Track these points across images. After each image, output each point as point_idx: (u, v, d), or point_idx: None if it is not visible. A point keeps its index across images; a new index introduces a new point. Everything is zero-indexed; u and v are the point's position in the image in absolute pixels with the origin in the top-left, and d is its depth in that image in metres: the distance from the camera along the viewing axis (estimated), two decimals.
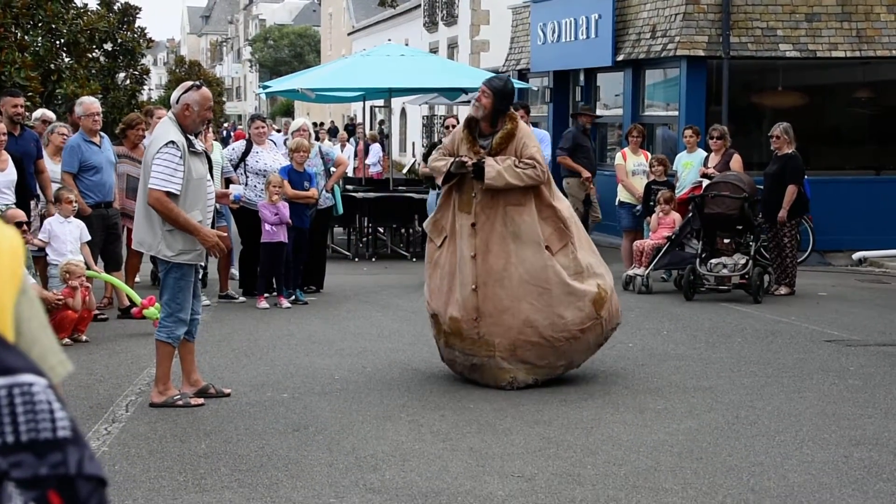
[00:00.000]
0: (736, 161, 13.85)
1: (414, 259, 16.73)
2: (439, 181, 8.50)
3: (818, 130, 18.06)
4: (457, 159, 8.20)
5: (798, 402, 7.73)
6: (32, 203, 11.13)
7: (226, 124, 53.20)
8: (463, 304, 8.15)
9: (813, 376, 8.60)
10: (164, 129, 7.37)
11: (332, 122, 42.47)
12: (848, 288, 14.23)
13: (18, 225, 9.64)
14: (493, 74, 20.89)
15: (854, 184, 17.52)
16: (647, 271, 13.21)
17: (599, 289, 8.29)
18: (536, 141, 8.48)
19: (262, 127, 13.25)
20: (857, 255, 16.88)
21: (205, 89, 7.53)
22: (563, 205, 8.48)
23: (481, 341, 8.10)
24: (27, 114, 12.41)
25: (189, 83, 7.70)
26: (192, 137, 7.41)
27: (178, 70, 40.61)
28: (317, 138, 16.06)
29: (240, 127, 47.04)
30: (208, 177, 7.52)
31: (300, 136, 12.84)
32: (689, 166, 14.43)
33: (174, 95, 7.51)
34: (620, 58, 18.57)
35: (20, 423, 1.36)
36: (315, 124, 27.70)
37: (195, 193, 7.31)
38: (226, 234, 7.64)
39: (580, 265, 8.29)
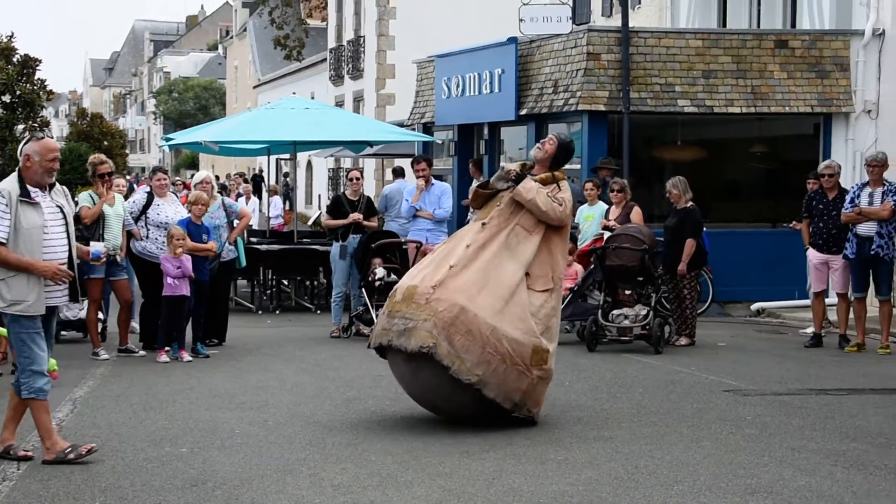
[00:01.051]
0: (636, 214, 14.06)
1: (318, 311, 16.65)
2: (469, 198, 9.21)
3: (716, 184, 18.44)
4: (501, 170, 8.88)
5: (696, 451, 7.83)
6: None
7: (128, 176, 52.47)
8: (431, 276, 8.43)
9: (711, 426, 8.71)
10: (5, 180, 7.48)
11: (261, 169, 41.39)
12: (746, 338, 14.49)
13: None
14: (402, 127, 21.13)
15: (751, 236, 17.91)
16: None
17: (548, 353, 8.49)
18: (571, 195, 9.03)
19: (164, 179, 13.11)
20: (755, 306, 17.25)
21: (47, 140, 7.52)
22: (562, 264, 8.94)
23: (426, 306, 8.28)
24: None
25: (32, 134, 7.72)
26: (32, 188, 7.36)
27: (79, 122, 39.89)
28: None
29: (143, 178, 46.39)
30: (49, 227, 7.40)
31: (202, 188, 12.76)
32: (591, 219, 14.63)
33: (20, 147, 7.57)
34: (523, 112, 18.79)
35: None
36: (217, 177, 27.40)
37: (27, 243, 7.27)
38: (65, 262, 7.52)
39: (549, 321, 8.60)
